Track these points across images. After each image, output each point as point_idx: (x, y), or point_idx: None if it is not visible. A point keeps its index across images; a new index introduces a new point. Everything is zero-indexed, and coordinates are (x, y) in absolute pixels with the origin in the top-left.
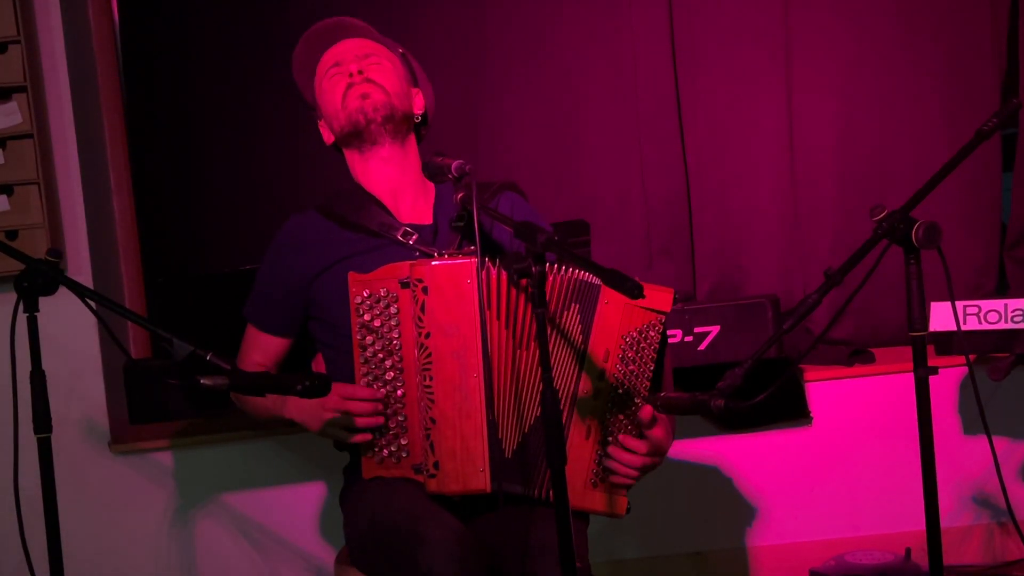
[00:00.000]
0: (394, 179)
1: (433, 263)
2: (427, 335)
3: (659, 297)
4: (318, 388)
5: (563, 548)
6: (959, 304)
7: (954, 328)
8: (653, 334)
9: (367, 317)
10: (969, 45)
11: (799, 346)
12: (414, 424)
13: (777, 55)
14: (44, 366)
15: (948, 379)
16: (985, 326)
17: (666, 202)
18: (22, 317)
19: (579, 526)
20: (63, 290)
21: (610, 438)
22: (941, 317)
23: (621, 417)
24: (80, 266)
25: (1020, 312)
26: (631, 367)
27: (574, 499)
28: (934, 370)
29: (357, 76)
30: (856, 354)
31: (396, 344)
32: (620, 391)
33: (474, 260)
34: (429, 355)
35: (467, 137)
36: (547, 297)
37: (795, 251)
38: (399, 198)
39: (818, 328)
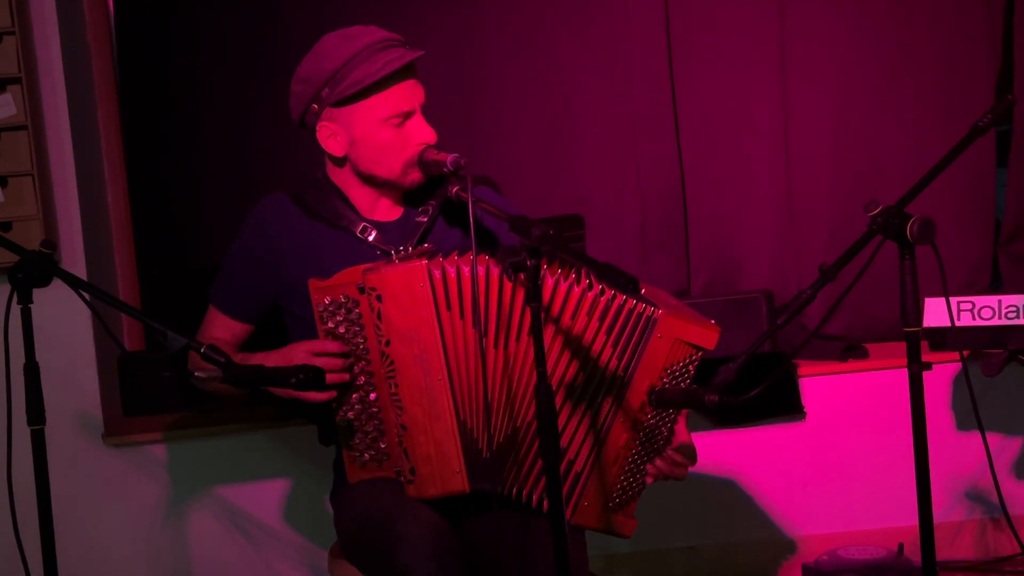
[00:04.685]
0: (375, 200)
1: (384, 270)
2: (387, 343)
3: (706, 334)
4: (313, 381)
5: (557, 546)
6: (953, 300)
7: (948, 324)
8: (691, 368)
9: (331, 324)
10: (964, 41)
11: (793, 341)
12: (390, 427)
13: (772, 50)
14: (38, 358)
15: (942, 375)
16: (979, 322)
17: (661, 197)
18: (16, 308)
19: (578, 538)
20: (57, 282)
21: (634, 466)
22: (935, 313)
23: (650, 446)
24: (74, 258)
25: (1014, 308)
26: None
27: (592, 519)
28: (928, 366)
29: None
30: (850, 349)
31: (363, 349)
32: (654, 422)
33: (424, 262)
34: (392, 363)
35: (462, 132)
36: (600, 320)
37: (790, 246)
38: (374, 207)
39: (812, 323)
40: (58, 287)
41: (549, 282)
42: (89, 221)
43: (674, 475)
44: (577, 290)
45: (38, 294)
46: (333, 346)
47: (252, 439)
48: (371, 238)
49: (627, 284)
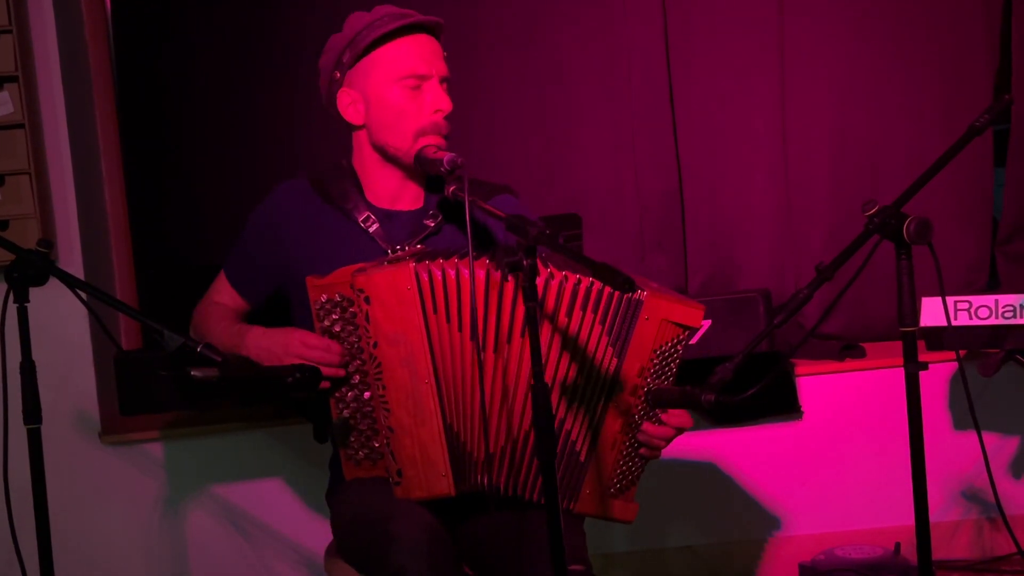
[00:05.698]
0: (393, 188)
1: (371, 272)
2: (375, 345)
3: (691, 313)
4: (309, 380)
5: (554, 547)
6: (950, 300)
7: (945, 324)
8: (680, 348)
9: (327, 322)
10: (962, 40)
11: (790, 340)
12: (381, 428)
13: (771, 49)
14: (34, 357)
15: (938, 374)
16: (976, 322)
17: (659, 196)
18: (12, 307)
19: (576, 526)
20: (54, 281)
21: (631, 450)
22: (932, 312)
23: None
24: (71, 257)
25: (1011, 308)
26: (658, 381)
27: (593, 506)
28: (924, 365)
29: (442, 121)
30: (847, 349)
31: (357, 348)
32: (647, 403)
33: (412, 265)
34: (379, 365)
35: (460, 130)
36: (583, 310)
37: (787, 246)
38: (398, 198)
39: (809, 323)
40: (55, 286)
41: (538, 279)
42: (86, 219)
43: (662, 434)
44: (558, 276)
45: (35, 293)
46: (332, 344)
47: (249, 438)
48: (372, 230)
49: (624, 284)
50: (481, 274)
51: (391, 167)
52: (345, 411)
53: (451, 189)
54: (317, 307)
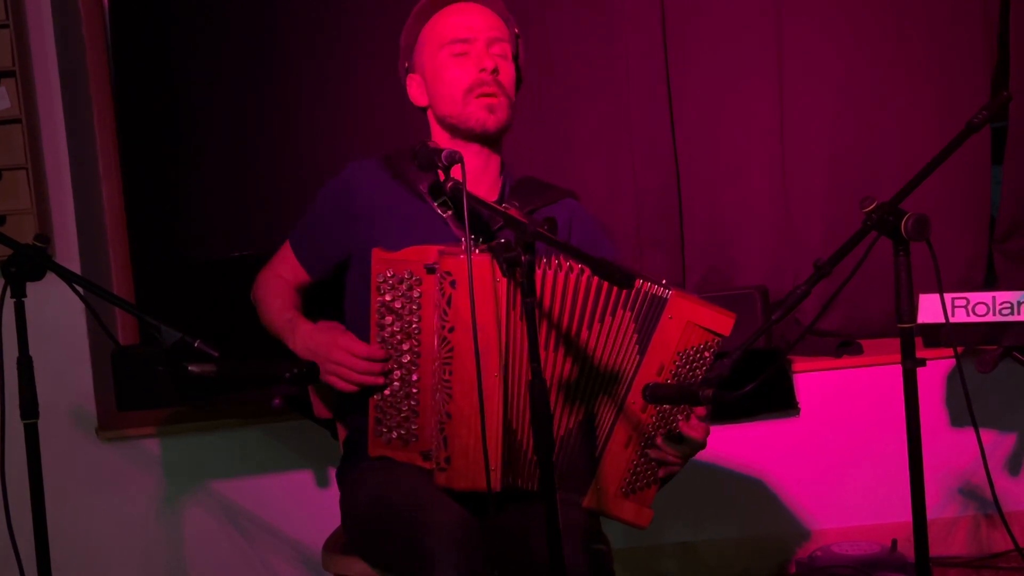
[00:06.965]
0: (473, 170)
1: (464, 258)
2: (451, 329)
3: (721, 320)
4: (306, 376)
5: (552, 545)
6: (948, 296)
7: (942, 320)
8: (708, 355)
9: (388, 297)
10: (960, 38)
11: (788, 337)
12: (427, 410)
13: (769, 46)
14: (31, 352)
15: (936, 371)
16: (973, 318)
17: (656, 193)
18: (9, 302)
19: (592, 513)
20: (51, 276)
21: (648, 450)
22: (930, 309)
23: (663, 431)
24: (68, 252)
25: (1008, 305)
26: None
27: (604, 504)
28: (922, 362)
29: (489, 76)
30: (844, 345)
31: (415, 328)
32: (645, 399)
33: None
34: (451, 350)
35: None
36: (606, 304)
37: (785, 242)
38: (475, 181)
39: (807, 319)
40: (52, 281)
41: (560, 274)
42: (83, 215)
43: (664, 459)
44: (576, 268)
45: (32, 288)
46: (376, 352)
47: (246, 434)
48: (448, 216)
49: (623, 280)
50: (550, 275)
51: (462, 144)
52: (386, 389)
53: (448, 185)
54: (380, 280)
